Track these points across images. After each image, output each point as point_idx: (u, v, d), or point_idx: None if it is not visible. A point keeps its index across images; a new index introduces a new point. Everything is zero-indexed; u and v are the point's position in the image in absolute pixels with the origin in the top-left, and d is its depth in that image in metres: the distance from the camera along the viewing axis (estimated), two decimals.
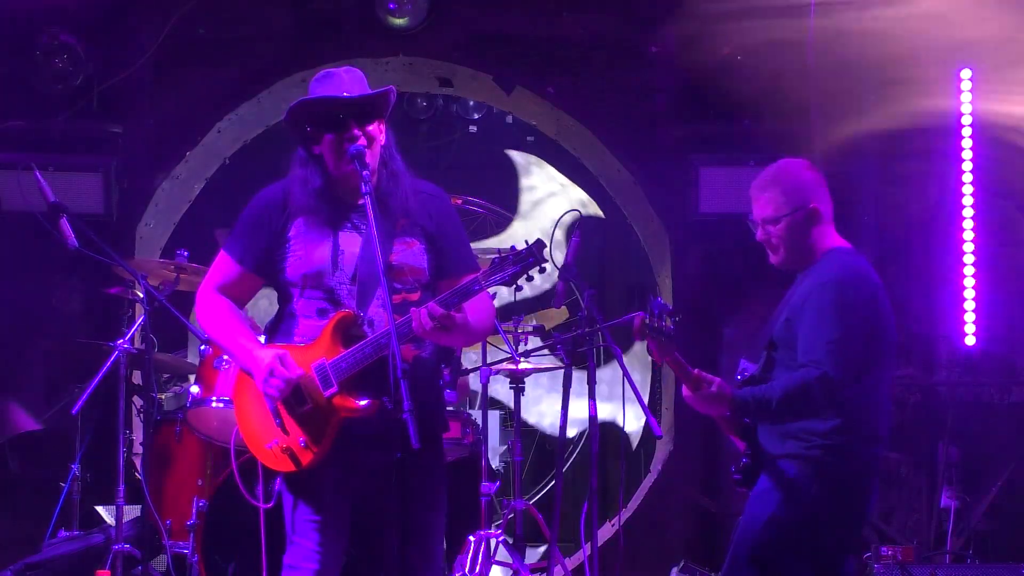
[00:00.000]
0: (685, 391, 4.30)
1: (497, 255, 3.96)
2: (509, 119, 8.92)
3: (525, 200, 9.41)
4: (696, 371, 4.24)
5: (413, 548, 3.92)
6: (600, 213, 8.98)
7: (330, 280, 4.03)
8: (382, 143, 4.07)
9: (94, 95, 7.28)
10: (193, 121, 7.69)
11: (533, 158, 9.37)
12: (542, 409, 8.96)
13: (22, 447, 7.15)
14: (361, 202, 3.99)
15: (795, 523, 4.23)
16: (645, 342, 4.21)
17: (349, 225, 4.06)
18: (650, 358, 6.78)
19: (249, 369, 4.02)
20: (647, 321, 4.16)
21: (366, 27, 7.56)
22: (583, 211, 8.90)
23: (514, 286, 3.93)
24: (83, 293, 7.35)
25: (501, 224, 8.28)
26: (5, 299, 7.24)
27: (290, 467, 3.99)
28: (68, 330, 7.23)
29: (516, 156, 9.42)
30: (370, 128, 4.01)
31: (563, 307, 6.24)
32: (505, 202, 8.82)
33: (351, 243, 4.04)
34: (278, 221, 4.07)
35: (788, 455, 4.25)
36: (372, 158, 4.01)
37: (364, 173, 3.90)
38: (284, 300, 4.14)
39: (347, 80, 4.05)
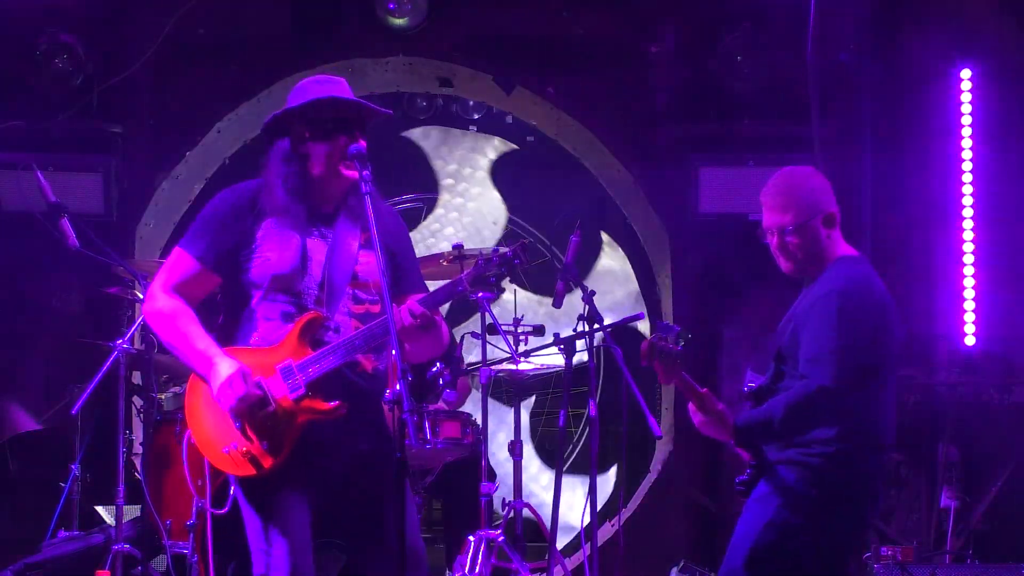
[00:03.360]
0: (694, 415, 4.30)
1: (481, 257, 3.96)
2: (509, 119, 8.92)
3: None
4: (704, 390, 4.25)
5: (382, 547, 3.90)
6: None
7: (299, 284, 3.99)
8: None
9: (94, 95, 7.28)
10: (193, 121, 7.70)
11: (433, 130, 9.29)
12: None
13: (22, 447, 7.14)
14: (335, 208, 4.04)
15: (793, 528, 4.22)
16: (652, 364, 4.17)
17: (316, 232, 4.04)
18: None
19: (206, 377, 3.92)
20: (655, 343, 4.15)
21: (366, 27, 7.57)
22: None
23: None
24: (83, 293, 7.35)
25: None
26: (5, 299, 7.24)
27: (251, 471, 3.91)
28: (68, 330, 7.22)
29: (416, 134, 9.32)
30: (364, 138, 4.03)
31: (562, 307, 6.23)
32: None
33: (317, 250, 4.03)
34: (246, 221, 4.04)
35: (788, 461, 4.25)
36: None
37: (365, 173, 3.90)
38: (241, 301, 4.05)
39: (346, 88, 4.07)
